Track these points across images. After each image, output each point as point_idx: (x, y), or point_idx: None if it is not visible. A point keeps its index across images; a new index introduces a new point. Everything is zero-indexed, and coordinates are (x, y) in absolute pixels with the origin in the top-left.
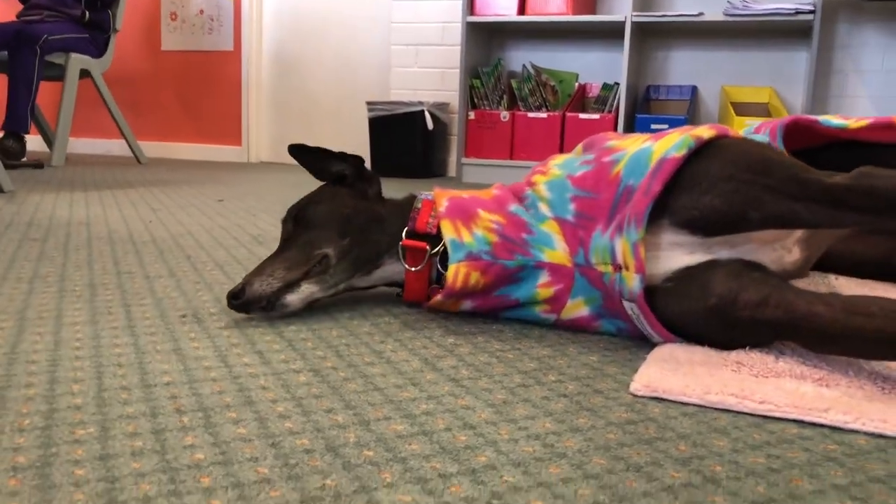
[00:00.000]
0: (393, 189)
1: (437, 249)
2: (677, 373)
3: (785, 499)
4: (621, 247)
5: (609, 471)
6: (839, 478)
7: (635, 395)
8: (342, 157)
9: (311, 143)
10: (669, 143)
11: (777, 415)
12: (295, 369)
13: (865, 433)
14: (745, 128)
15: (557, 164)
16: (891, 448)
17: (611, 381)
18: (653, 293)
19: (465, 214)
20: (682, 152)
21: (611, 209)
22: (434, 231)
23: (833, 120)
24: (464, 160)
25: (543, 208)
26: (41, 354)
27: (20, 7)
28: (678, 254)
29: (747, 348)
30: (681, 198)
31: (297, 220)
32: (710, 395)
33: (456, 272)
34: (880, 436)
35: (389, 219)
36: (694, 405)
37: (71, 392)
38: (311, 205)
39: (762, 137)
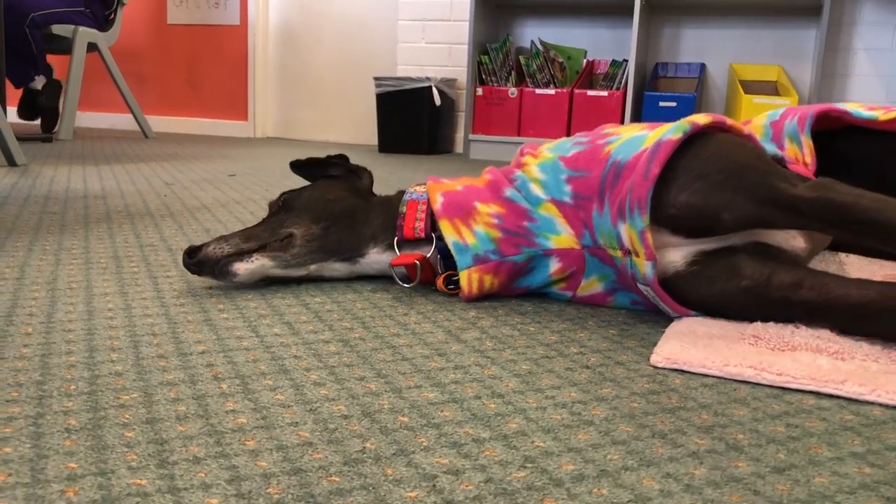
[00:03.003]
0: (399, 165)
1: (430, 254)
2: (696, 346)
3: (806, 465)
4: (627, 233)
5: (635, 437)
6: (857, 446)
7: (656, 367)
8: (328, 160)
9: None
10: (665, 128)
11: (794, 386)
12: (324, 339)
13: (881, 404)
14: (770, 111)
15: (548, 148)
16: None
17: (631, 353)
18: (673, 276)
19: (463, 211)
20: (679, 135)
21: (599, 186)
22: (423, 234)
23: (864, 112)
24: (471, 137)
25: (536, 189)
26: (76, 324)
27: None
28: (679, 246)
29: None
30: (662, 193)
31: (284, 203)
32: (729, 367)
33: (469, 279)
34: (895, 407)
35: (375, 214)
36: (714, 377)
37: (111, 360)
38: (300, 191)
39: (789, 124)
